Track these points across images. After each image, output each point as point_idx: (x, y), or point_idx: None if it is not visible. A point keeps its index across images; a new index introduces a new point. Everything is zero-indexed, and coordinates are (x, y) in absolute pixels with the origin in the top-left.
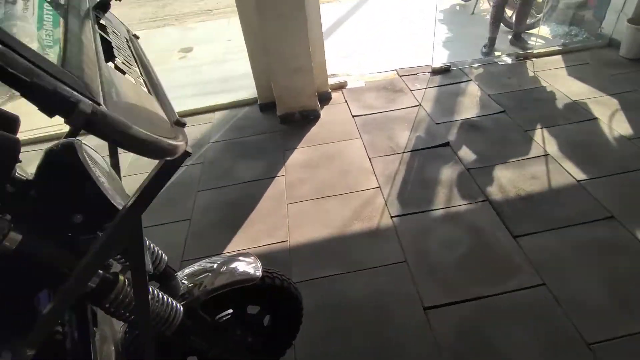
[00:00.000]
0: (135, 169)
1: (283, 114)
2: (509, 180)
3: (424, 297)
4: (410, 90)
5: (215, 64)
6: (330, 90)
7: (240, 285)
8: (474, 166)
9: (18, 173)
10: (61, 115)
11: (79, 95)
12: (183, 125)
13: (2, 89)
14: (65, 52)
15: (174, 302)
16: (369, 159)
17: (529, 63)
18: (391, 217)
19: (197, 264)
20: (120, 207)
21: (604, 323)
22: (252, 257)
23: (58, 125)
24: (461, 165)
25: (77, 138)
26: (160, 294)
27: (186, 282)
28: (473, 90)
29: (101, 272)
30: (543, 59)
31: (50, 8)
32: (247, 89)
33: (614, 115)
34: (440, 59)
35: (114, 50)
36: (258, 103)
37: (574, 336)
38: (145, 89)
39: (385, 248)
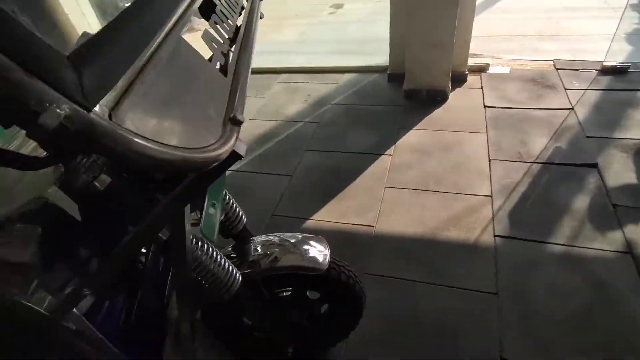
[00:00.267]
0: (264, 115)
1: (409, 88)
2: None
3: (506, 348)
4: (565, 89)
5: (360, 24)
6: (467, 72)
7: (304, 271)
8: (625, 203)
9: None
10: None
11: (53, 95)
12: (238, 123)
13: None
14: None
15: (234, 270)
16: (489, 160)
17: None
18: (495, 235)
19: (273, 235)
20: None
21: None
22: (324, 245)
23: None
24: (606, 198)
25: None
26: (223, 259)
27: (259, 250)
28: None
29: None
30: None
31: None
32: (382, 55)
33: None
34: (617, 56)
35: (214, 14)
36: (387, 72)
37: None
38: (218, 68)
39: (477, 270)
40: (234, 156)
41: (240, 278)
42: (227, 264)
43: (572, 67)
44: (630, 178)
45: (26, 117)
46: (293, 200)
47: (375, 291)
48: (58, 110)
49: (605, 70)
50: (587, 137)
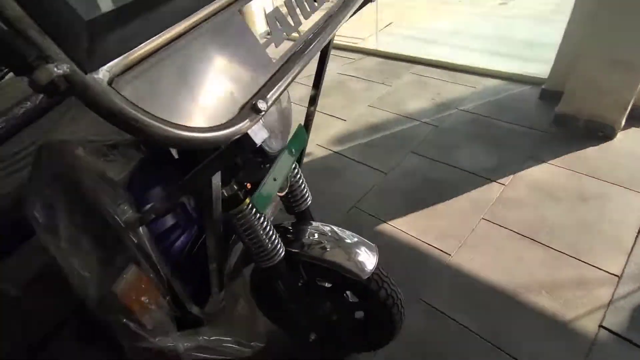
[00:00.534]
0: (382, 105)
1: (563, 112)
2: None
3: None
4: None
5: (530, 22)
6: None
7: (343, 272)
8: None
9: None
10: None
11: (46, 49)
12: (258, 111)
13: None
14: None
15: (280, 244)
16: (638, 233)
17: None
18: (601, 325)
19: (331, 226)
20: (271, 151)
21: None
22: (373, 254)
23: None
24: None
25: None
26: (271, 231)
27: (313, 235)
28: None
29: (235, 187)
30: None
31: None
32: (543, 65)
33: None
34: None
35: None
36: (542, 86)
37: None
38: (262, 45)
39: (553, 355)
40: (248, 142)
41: (283, 253)
42: (274, 235)
43: None
44: None
45: (26, 69)
46: (379, 198)
47: (420, 320)
48: (54, 69)
49: None
50: None
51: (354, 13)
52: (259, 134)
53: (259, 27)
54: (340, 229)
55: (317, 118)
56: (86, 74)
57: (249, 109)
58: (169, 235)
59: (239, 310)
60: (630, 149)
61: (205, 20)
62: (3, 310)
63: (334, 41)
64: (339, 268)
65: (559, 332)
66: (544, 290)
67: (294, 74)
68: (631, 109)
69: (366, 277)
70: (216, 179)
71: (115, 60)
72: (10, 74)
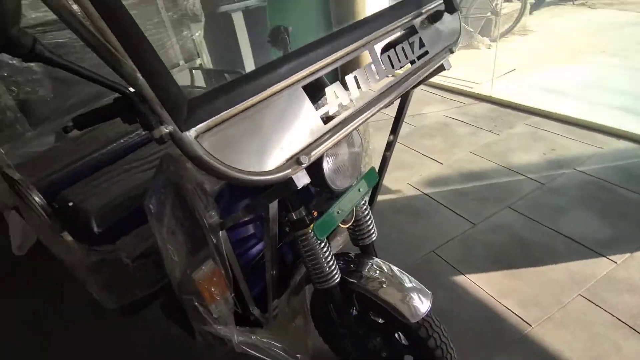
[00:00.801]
0: (485, 153)
1: None
2: None
3: None
4: None
5: None
6: None
7: (392, 312)
8: None
9: None
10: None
11: (162, 117)
12: (300, 163)
13: None
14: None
15: (336, 270)
16: None
17: None
18: None
19: (392, 265)
20: (336, 188)
21: None
22: (427, 300)
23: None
24: None
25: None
26: (329, 257)
27: (372, 270)
28: None
29: (303, 213)
30: None
31: None
32: None
33: None
34: None
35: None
36: None
37: None
38: (321, 116)
39: None
40: (290, 184)
41: (338, 279)
42: (331, 262)
43: None
44: None
45: (149, 127)
46: (461, 248)
47: None
48: (164, 129)
49: None
50: None
51: (411, 89)
52: (300, 180)
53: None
54: (399, 270)
55: (413, 157)
56: (182, 132)
57: (294, 161)
58: (246, 243)
59: (296, 322)
60: None
61: (273, 94)
62: (118, 271)
63: (444, 83)
64: (389, 306)
65: None
66: None
67: (339, 137)
68: None
69: (415, 321)
70: (273, 205)
71: (201, 124)
72: None
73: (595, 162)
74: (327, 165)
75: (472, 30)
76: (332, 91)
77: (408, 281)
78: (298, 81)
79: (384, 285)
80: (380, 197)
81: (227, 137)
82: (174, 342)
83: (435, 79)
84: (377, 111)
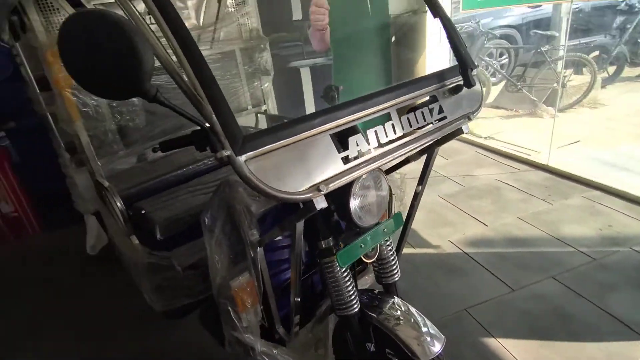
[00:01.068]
0: (535, 221)
1: None
2: None
3: None
4: None
5: None
6: None
7: (404, 347)
8: None
9: None
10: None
11: (225, 145)
12: (319, 190)
13: None
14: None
15: (356, 300)
16: None
17: None
18: None
19: (409, 306)
20: (362, 224)
21: None
22: (440, 343)
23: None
24: None
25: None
26: (351, 286)
27: (393, 308)
28: None
29: (331, 243)
30: None
31: None
32: None
33: None
34: None
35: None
36: None
37: None
38: (338, 155)
39: None
40: (312, 206)
41: (357, 309)
42: (352, 291)
43: None
44: None
45: (214, 152)
46: (495, 312)
47: None
48: (224, 153)
49: None
50: None
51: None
52: (319, 203)
53: None
54: (417, 311)
55: (458, 216)
56: (236, 156)
57: (315, 188)
58: (281, 265)
59: (317, 351)
60: None
61: (307, 137)
62: (169, 277)
63: (501, 148)
64: (402, 343)
65: None
66: None
67: (354, 176)
68: None
69: None
70: (300, 224)
71: (250, 153)
72: None
73: None
74: (355, 203)
75: (535, 99)
76: (355, 141)
77: (424, 323)
78: (326, 130)
79: (400, 323)
80: (418, 251)
81: (268, 164)
82: (204, 351)
83: (491, 143)
84: (389, 161)
